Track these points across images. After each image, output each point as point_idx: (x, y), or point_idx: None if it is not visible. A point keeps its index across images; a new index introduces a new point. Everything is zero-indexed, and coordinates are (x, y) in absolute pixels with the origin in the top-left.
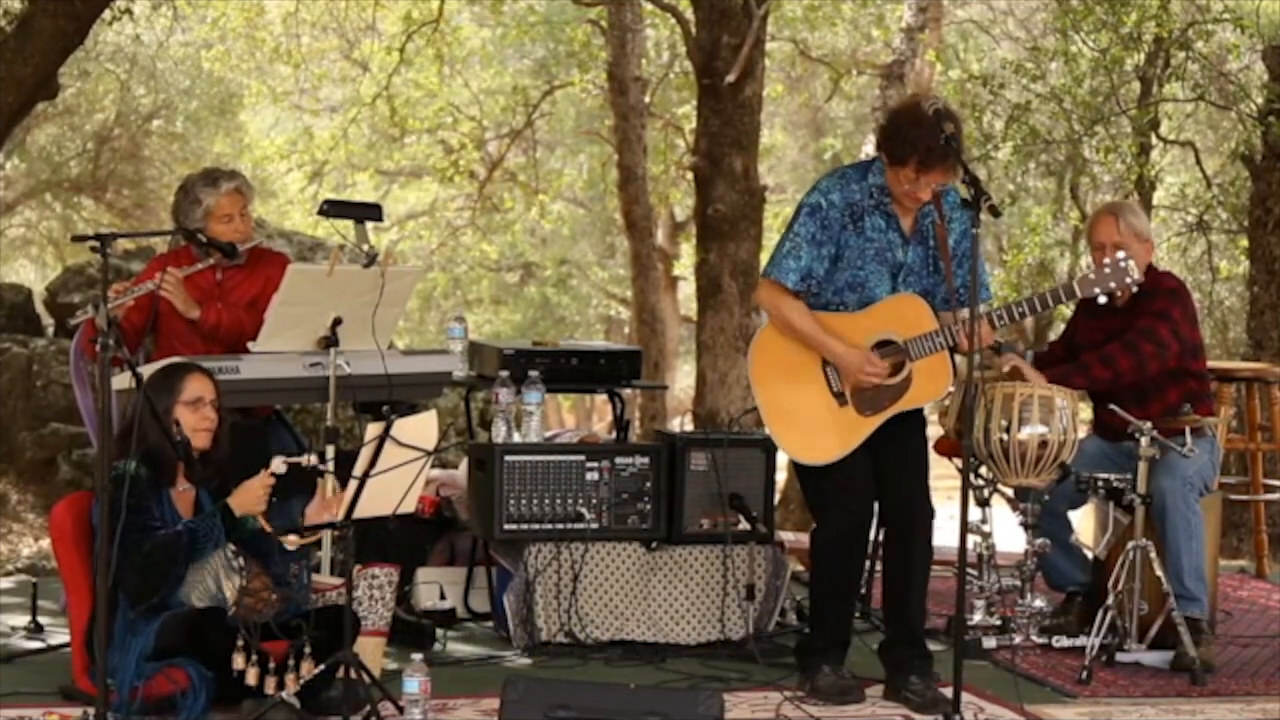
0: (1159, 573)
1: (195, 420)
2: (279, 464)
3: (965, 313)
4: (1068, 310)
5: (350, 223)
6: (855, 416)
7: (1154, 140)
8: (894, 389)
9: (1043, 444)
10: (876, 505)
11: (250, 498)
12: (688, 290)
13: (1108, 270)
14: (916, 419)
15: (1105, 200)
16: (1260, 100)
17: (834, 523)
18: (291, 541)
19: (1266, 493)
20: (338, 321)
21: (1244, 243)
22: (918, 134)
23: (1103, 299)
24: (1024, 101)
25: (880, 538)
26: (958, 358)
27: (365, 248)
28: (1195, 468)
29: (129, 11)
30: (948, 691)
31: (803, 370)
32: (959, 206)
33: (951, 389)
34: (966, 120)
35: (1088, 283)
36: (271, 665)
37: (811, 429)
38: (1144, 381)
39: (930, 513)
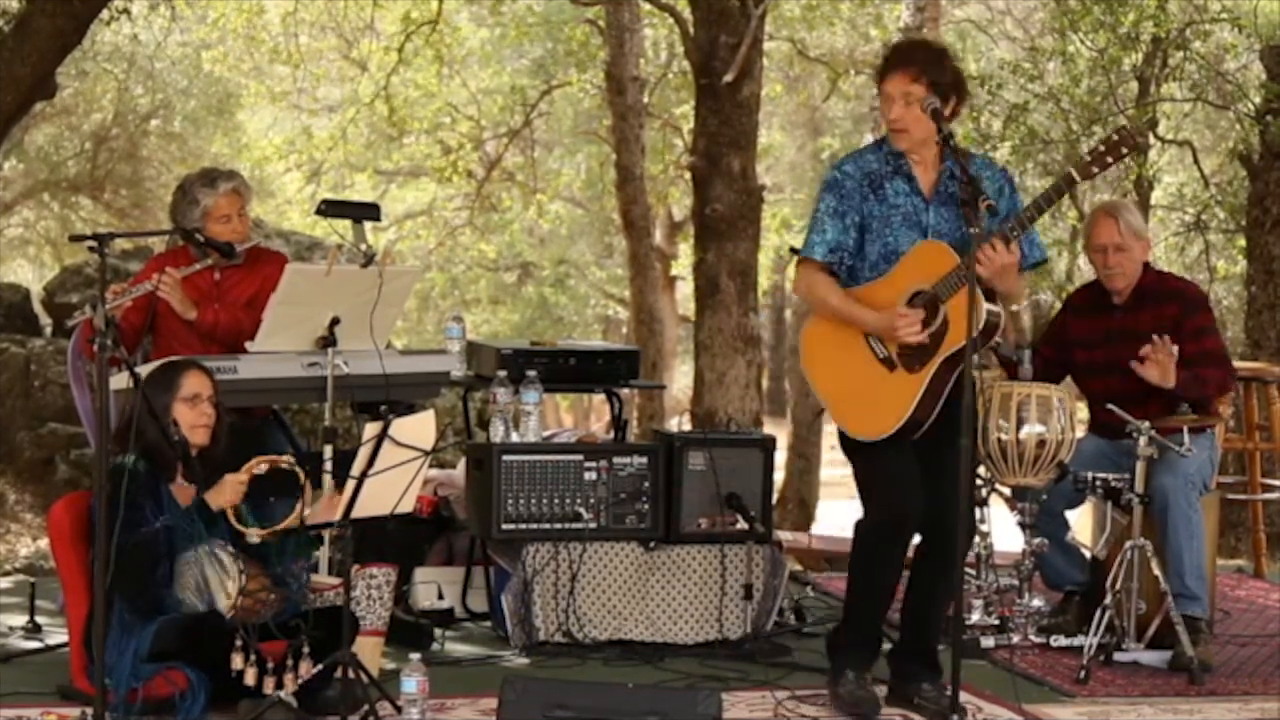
0: (1157, 572)
1: (193, 417)
2: (259, 464)
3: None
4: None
5: (348, 222)
6: (906, 376)
7: (1152, 140)
8: (934, 336)
9: (1041, 443)
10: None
11: (225, 492)
12: (686, 290)
13: (1103, 149)
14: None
15: (1103, 200)
16: (1258, 100)
17: (873, 514)
18: (258, 534)
19: (1264, 492)
20: (335, 321)
21: (1241, 242)
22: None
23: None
24: (1022, 101)
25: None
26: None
27: (363, 247)
28: (1196, 466)
29: (127, 11)
30: (945, 691)
31: (848, 348)
32: (987, 167)
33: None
34: (964, 121)
35: (1085, 165)
36: (270, 665)
37: (867, 402)
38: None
39: (970, 531)
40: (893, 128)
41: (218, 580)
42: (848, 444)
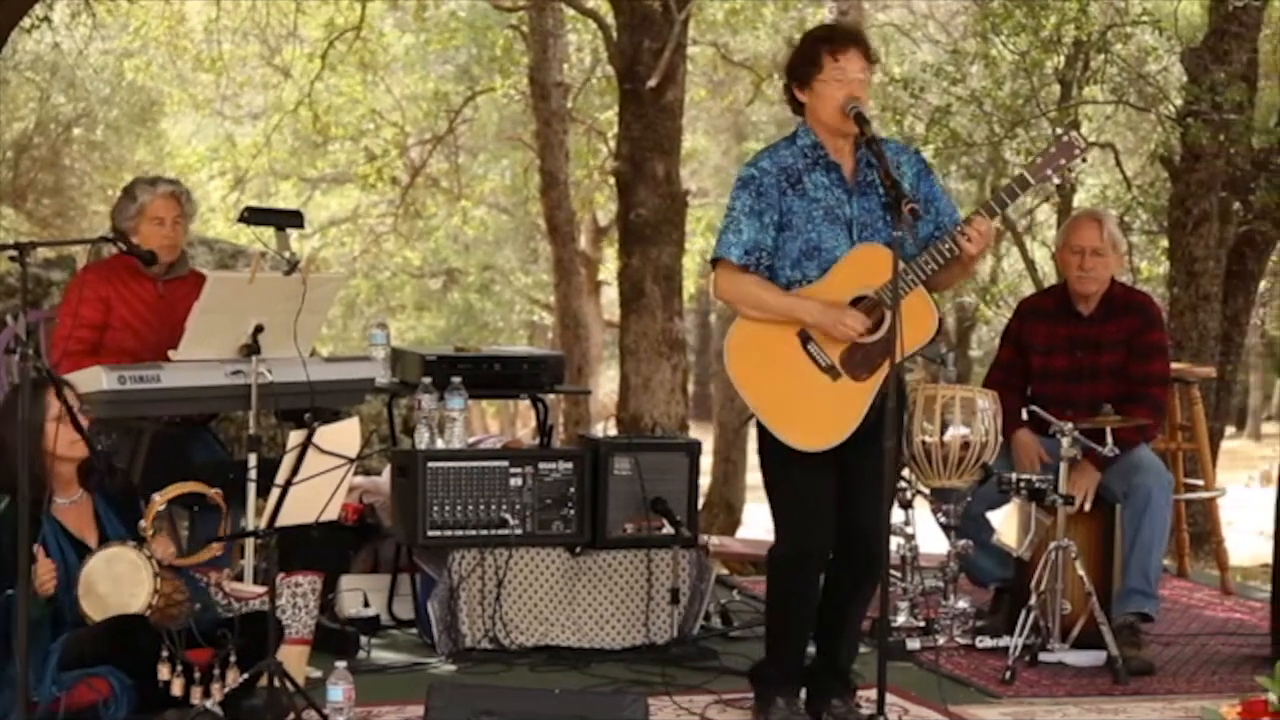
0: (1081, 573)
1: (67, 433)
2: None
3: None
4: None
5: (272, 230)
6: (852, 385)
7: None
8: (881, 343)
9: (965, 445)
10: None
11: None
12: (611, 295)
13: (1054, 151)
14: (883, 451)
15: (1029, 203)
16: (1179, 102)
17: (784, 545)
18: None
19: (1187, 492)
20: (259, 329)
21: (1164, 243)
22: (811, 35)
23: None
24: (945, 104)
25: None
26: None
27: (287, 255)
28: (1165, 467)
29: (48, 19)
30: (871, 693)
31: (784, 357)
32: (902, 152)
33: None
34: (888, 124)
35: (1038, 167)
36: (196, 674)
37: (811, 413)
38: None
39: (885, 551)
40: (857, 101)
41: (133, 580)
42: (768, 458)
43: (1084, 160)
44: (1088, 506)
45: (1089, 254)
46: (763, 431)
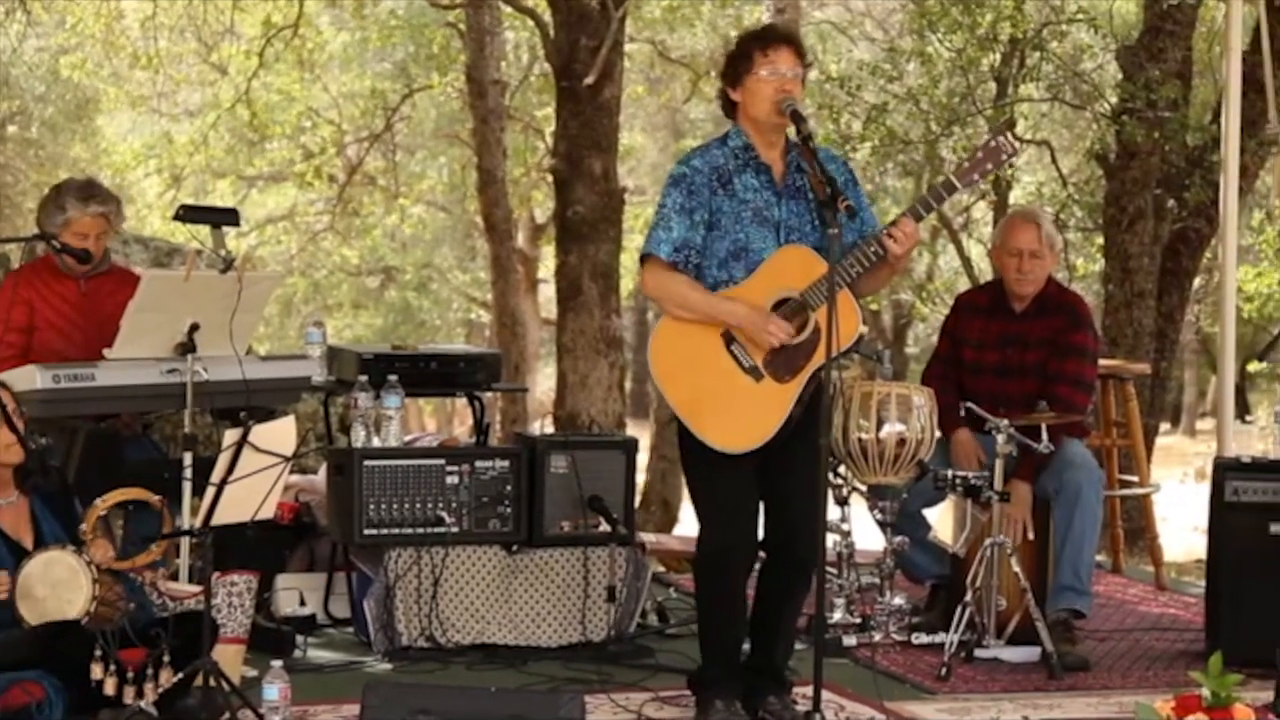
0: (1016, 569)
1: (1, 436)
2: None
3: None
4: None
5: (208, 228)
6: (775, 386)
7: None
8: (805, 345)
9: (901, 442)
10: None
11: None
12: (548, 293)
13: (981, 155)
14: (815, 449)
15: (965, 201)
16: (1114, 99)
17: (706, 545)
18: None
19: (1122, 489)
20: (195, 327)
21: (1099, 241)
22: (744, 35)
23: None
24: (881, 102)
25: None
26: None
27: (222, 253)
28: (1097, 463)
29: None
30: (807, 690)
31: (708, 358)
32: (832, 160)
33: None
34: (824, 122)
35: (965, 172)
36: (130, 674)
37: (733, 414)
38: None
39: (817, 548)
40: (791, 98)
41: (71, 585)
42: (689, 458)
43: (1012, 164)
44: (1030, 536)
45: (1027, 257)
46: (684, 431)
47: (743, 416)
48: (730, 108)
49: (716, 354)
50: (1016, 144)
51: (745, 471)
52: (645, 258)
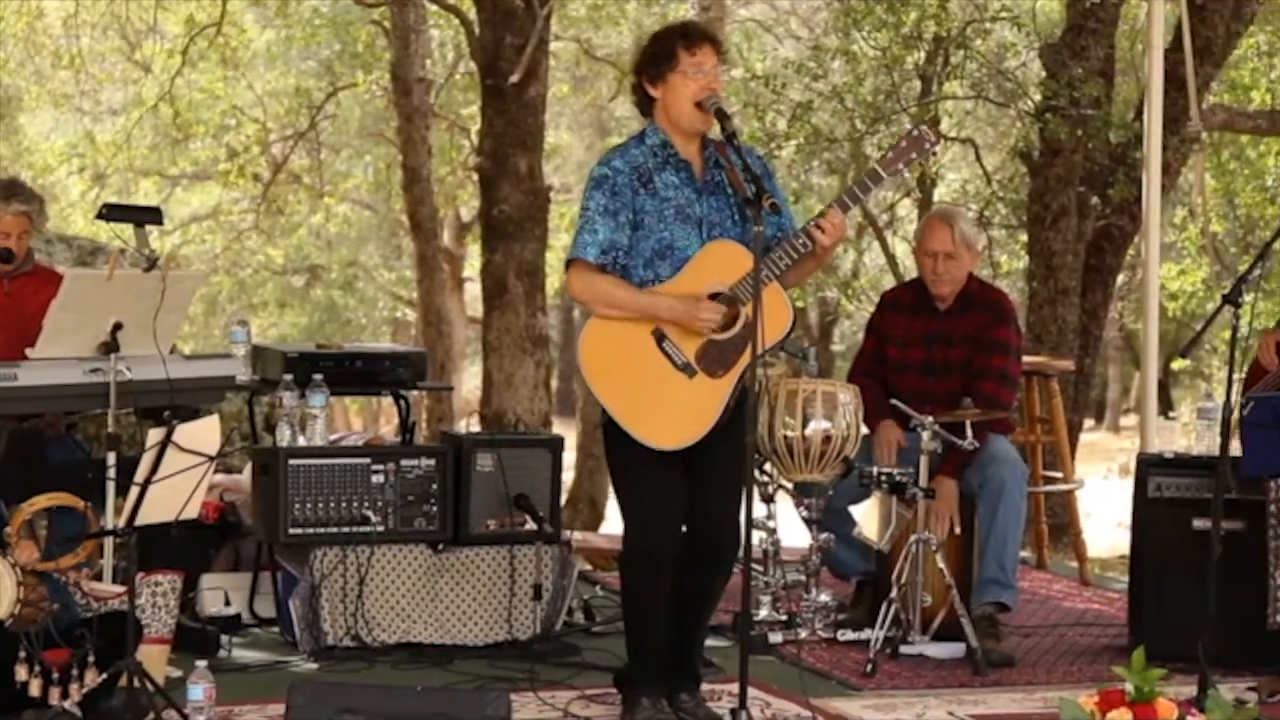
0: (941, 565)
1: None
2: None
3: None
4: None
5: (131, 227)
6: (709, 382)
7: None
8: (736, 340)
9: (826, 439)
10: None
11: None
12: (474, 291)
13: (904, 145)
14: (740, 446)
15: (889, 198)
16: (1038, 97)
17: (632, 544)
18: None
19: (1046, 484)
20: (118, 327)
21: (1023, 238)
22: (664, 31)
23: (906, 172)
24: (806, 100)
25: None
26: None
27: (146, 252)
28: (1020, 457)
29: None
30: (733, 687)
31: (639, 357)
32: (749, 154)
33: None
34: (750, 120)
35: (889, 161)
36: (54, 675)
37: (667, 411)
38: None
39: (737, 544)
40: (716, 96)
41: None
42: (616, 457)
43: (934, 153)
44: (958, 530)
45: (942, 258)
46: (609, 430)
47: (677, 414)
48: (647, 103)
49: (648, 353)
50: (935, 136)
51: (673, 470)
52: (571, 262)
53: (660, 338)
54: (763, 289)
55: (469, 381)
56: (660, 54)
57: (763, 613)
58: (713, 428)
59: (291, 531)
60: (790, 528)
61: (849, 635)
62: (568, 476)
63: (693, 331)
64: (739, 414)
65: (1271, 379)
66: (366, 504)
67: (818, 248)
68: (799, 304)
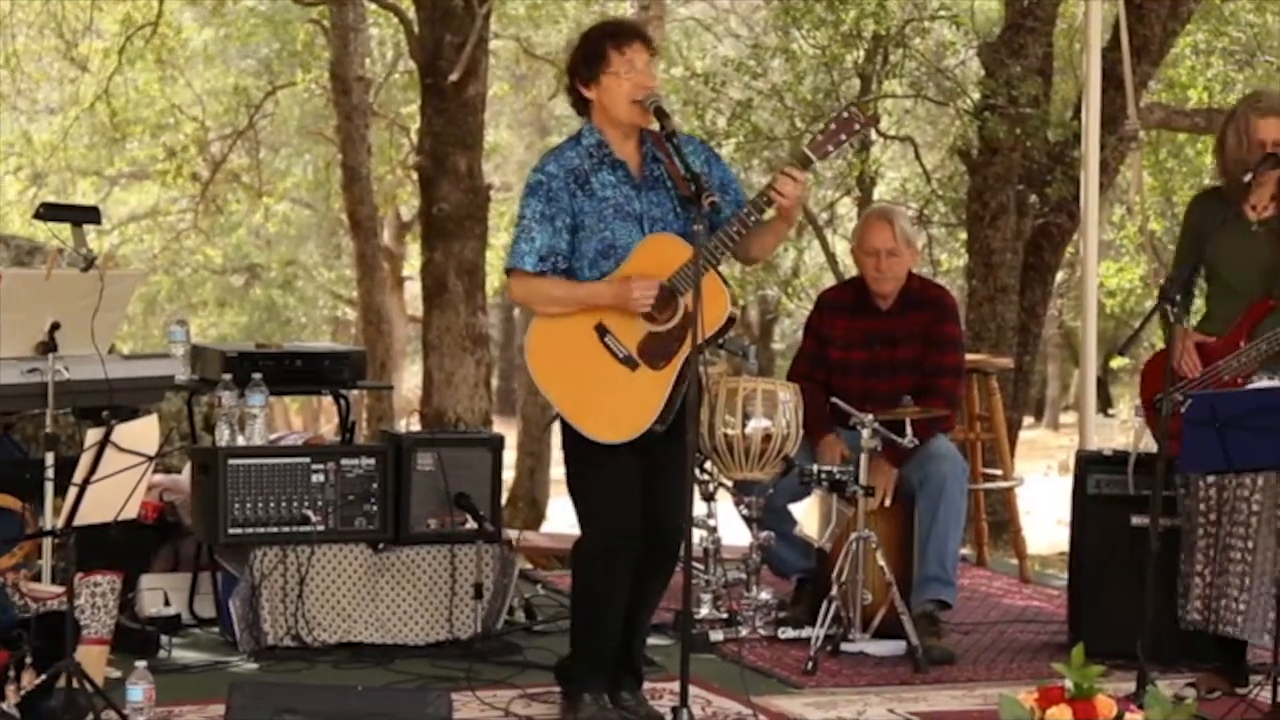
0: (882, 563)
1: None
2: None
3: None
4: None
5: (69, 226)
6: (651, 374)
7: (874, 136)
8: (676, 330)
9: (767, 438)
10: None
11: None
12: (415, 290)
13: (834, 127)
14: (686, 447)
15: (829, 196)
16: (976, 96)
17: (590, 539)
18: None
19: (985, 482)
20: (56, 326)
21: (963, 236)
22: (594, 31)
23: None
24: (746, 99)
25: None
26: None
27: (84, 251)
28: (960, 455)
29: None
30: (674, 685)
31: (582, 352)
32: (688, 143)
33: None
34: (689, 118)
35: (819, 144)
36: None
37: (611, 405)
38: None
39: (687, 543)
40: (654, 95)
41: None
42: (573, 456)
43: (863, 134)
44: (888, 503)
45: (884, 255)
46: (566, 428)
47: (621, 406)
48: (583, 104)
49: (591, 347)
50: (864, 117)
51: (628, 469)
52: (510, 271)
53: (603, 332)
54: (703, 275)
55: (409, 380)
56: (591, 55)
57: (703, 611)
58: (668, 425)
59: (231, 531)
60: (730, 526)
61: (790, 633)
62: (508, 475)
63: (634, 324)
64: (682, 413)
65: (1204, 378)
66: (306, 504)
67: (781, 209)
68: (740, 303)
